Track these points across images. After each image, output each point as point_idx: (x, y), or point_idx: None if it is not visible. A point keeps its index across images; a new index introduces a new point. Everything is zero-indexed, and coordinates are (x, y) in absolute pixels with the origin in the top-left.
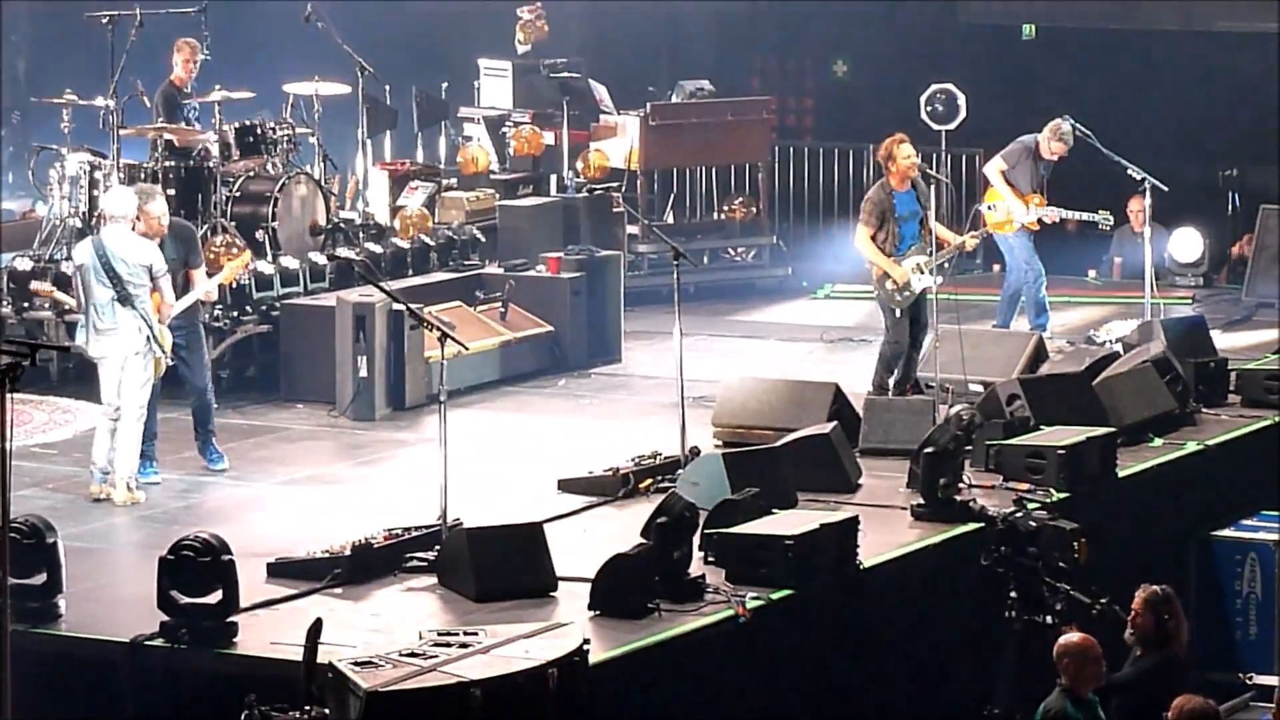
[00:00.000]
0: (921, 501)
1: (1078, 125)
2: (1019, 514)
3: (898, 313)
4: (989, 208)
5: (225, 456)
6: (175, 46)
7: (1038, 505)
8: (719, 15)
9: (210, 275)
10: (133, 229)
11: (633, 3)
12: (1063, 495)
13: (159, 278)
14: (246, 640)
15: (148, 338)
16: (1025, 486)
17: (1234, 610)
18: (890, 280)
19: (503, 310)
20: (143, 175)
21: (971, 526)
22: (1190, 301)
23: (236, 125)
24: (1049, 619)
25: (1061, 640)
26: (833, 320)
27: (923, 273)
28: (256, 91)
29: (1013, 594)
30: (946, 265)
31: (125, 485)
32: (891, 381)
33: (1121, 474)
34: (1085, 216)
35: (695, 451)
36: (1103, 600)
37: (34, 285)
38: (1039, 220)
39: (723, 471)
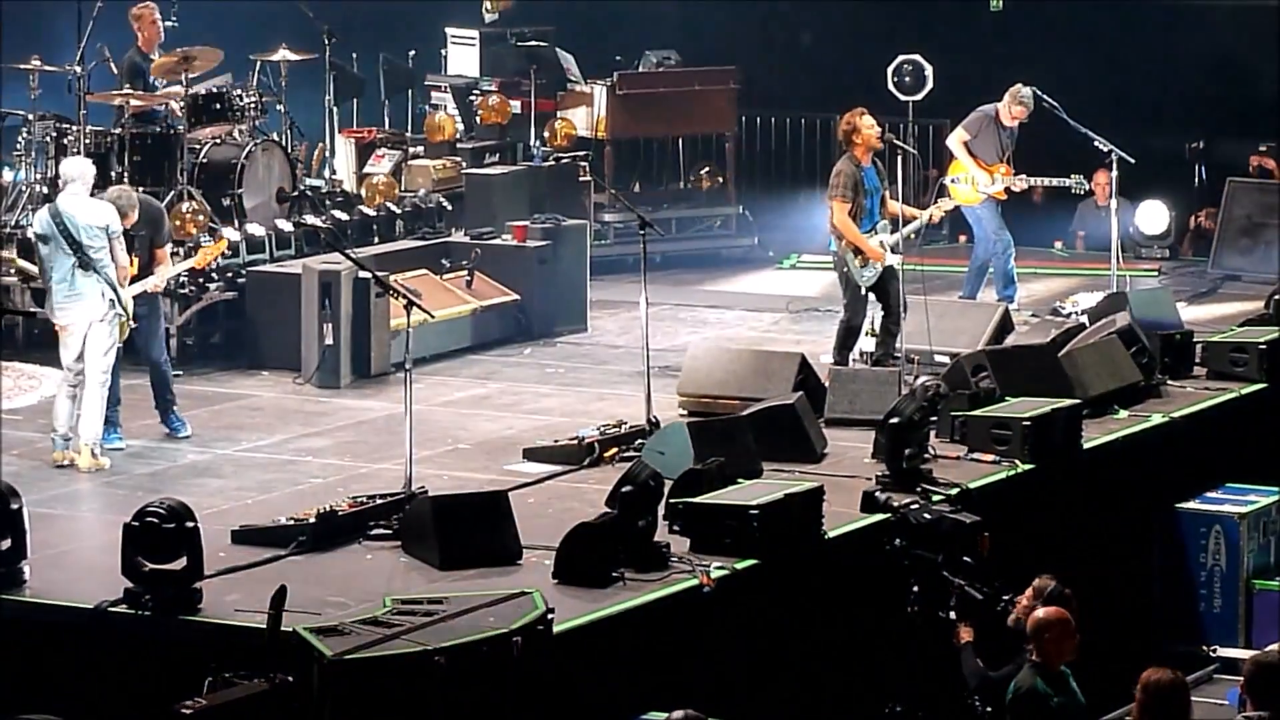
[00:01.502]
0: (886, 472)
1: (1044, 96)
2: (915, 506)
3: (862, 290)
4: (952, 181)
5: (188, 424)
6: (132, 15)
7: (941, 498)
8: None
9: (176, 246)
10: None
11: None
12: (1028, 467)
13: (114, 239)
14: (210, 607)
15: (111, 301)
16: (990, 458)
17: (1198, 583)
18: (860, 256)
19: (469, 278)
20: (109, 141)
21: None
22: (1156, 274)
23: (203, 92)
24: (950, 614)
25: (1038, 614)
26: (798, 290)
27: (886, 250)
28: (223, 57)
29: (915, 588)
30: (913, 237)
31: (90, 452)
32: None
33: (1086, 446)
34: (1056, 182)
35: (655, 422)
36: (1005, 596)
37: (3, 253)
38: (1006, 189)
39: (688, 441)
